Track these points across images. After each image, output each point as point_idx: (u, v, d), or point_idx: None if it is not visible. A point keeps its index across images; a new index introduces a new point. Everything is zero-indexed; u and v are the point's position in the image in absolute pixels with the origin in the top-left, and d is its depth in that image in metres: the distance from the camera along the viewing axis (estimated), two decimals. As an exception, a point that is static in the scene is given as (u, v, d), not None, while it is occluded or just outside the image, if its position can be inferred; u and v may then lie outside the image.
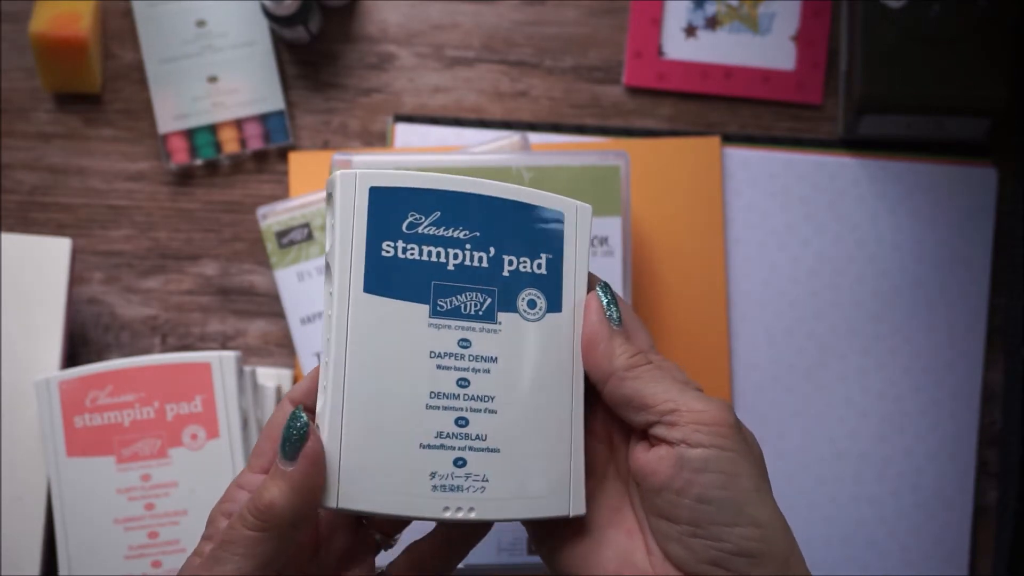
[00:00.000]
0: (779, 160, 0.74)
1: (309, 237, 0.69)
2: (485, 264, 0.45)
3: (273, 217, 0.70)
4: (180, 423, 0.66)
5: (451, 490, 0.44)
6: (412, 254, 0.44)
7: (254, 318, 0.73)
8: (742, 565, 0.41)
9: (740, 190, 0.73)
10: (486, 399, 0.45)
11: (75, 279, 0.72)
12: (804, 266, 0.73)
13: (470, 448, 0.44)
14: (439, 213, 0.45)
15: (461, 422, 0.44)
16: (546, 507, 0.45)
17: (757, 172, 0.73)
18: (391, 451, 0.43)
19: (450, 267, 0.44)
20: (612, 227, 0.66)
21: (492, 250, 0.45)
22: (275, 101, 0.73)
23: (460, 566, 0.65)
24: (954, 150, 0.74)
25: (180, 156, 0.73)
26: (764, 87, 0.74)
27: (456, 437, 0.44)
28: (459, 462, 0.44)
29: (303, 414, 0.42)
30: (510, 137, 0.69)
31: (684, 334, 0.72)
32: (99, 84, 0.73)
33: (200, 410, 0.66)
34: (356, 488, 0.43)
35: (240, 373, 0.67)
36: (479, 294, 0.45)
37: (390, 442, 0.43)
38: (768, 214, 0.73)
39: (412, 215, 0.44)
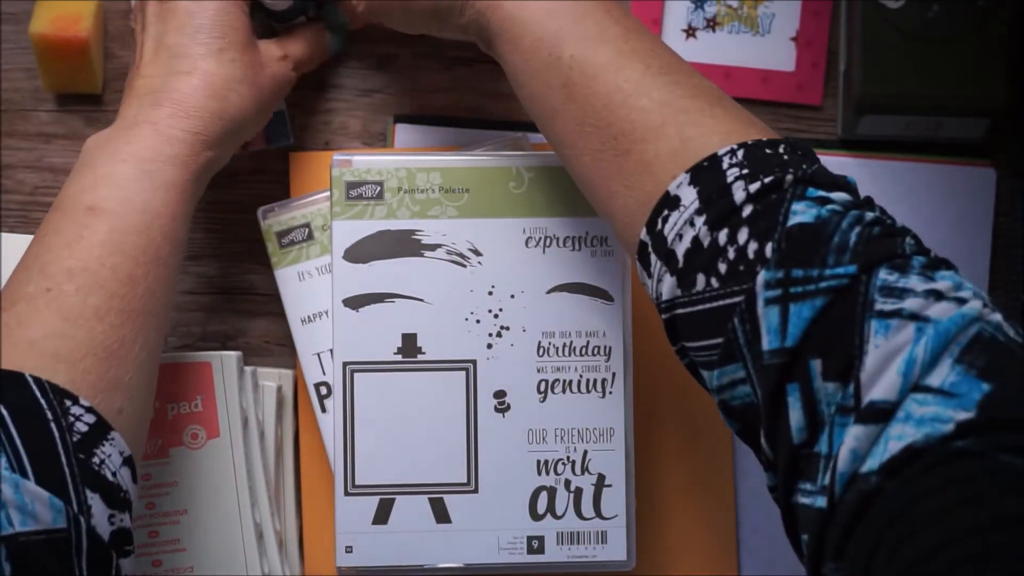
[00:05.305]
0: (778, 160, 0.74)
1: (310, 237, 0.70)
2: None
3: (273, 217, 0.70)
4: (180, 423, 0.66)
5: None
6: None
7: (254, 318, 0.73)
8: None
9: (740, 190, 0.73)
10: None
11: (76, 279, 0.72)
12: (803, 266, 0.73)
13: None
14: None
15: None
16: None
17: (757, 172, 0.73)
18: None
19: None
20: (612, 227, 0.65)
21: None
22: (275, 101, 0.73)
23: (460, 565, 0.65)
24: (953, 150, 0.74)
25: (180, 156, 0.73)
26: (764, 88, 0.74)
27: None
28: None
29: None
30: (510, 137, 0.70)
31: (684, 334, 0.72)
32: (100, 85, 0.73)
33: (200, 410, 0.66)
34: None
35: (241, 373, 0.67)
36: None
37: None
38: (768, 214, 0.73)
39: None
